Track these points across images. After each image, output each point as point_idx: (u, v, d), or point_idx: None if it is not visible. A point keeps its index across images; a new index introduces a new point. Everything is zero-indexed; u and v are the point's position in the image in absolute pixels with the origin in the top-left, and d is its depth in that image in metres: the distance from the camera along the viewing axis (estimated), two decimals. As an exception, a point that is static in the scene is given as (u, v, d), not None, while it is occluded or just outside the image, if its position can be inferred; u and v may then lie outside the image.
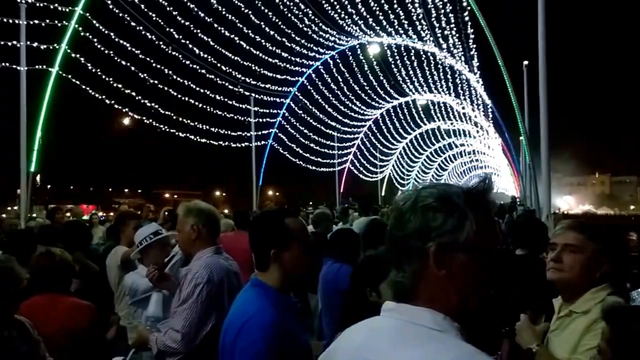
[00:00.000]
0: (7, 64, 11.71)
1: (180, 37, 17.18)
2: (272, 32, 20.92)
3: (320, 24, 23.58)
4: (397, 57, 31.01)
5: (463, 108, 37.77)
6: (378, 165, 43.63)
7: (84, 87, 14.18)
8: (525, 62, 18.24)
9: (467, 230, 1.08)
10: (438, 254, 1.08)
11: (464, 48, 26.11)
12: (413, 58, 31.35)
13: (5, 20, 11.62)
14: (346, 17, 23.82)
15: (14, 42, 11.49)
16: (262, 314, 1.91)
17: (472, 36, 24.15)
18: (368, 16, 24.08)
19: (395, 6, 23.95)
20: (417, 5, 23.59)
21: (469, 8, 19.96)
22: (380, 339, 1.09)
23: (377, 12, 23.92)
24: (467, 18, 22.10)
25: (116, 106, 15.92)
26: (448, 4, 22.76)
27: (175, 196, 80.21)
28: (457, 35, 25.28)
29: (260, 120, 25.01)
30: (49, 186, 53.05)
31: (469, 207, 1.10)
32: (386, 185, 48.65)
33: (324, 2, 21.98)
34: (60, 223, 8.61)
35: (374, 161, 43.34)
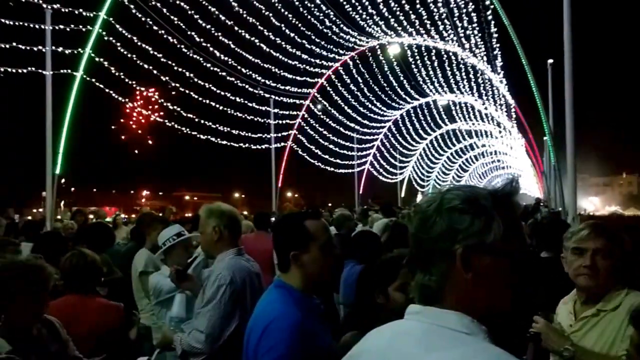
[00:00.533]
0: (34, 69, 11.95)
1: (202, 40, 17.39)
2: (292, 34, 21.04)
3: (341, 25, 23.64)
4: (418, 57, 30.79)
5: (485, 108, 37.26)
6: (398, 166, 43.37)
7: (107, 90, 14.44)
8: (550, 60, 17.99)
9: (494, 233, 1.07)
10: (465, 257, 1.07)
11: (486, 47, 25.85)
12: (434, 58, 31.08)
13: (31, 26, 11.85)
14: (367, 18, 23.82)
15: (40, 48, 11.73)
16: (285, 315, 1.93)
17: (495, 35, 23.90)
18: (389, 16, 24.03)
19: (418, 6, 23.86)
20: (439, 5, 23.44)
21: (492, 7, 19.74)
22: (407, 342, 1.08)
23: (398, 13, 23.84)
24: (490, 17, 21.88)
25: (138, 109, 16.15)
26: (470, 4, 22.58)
27: (195, 198, 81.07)
28: (479, 34, 25.06)
29: (280, 122, 25.14)
30: (72, 188, 53.95)
31: (495, 209, 1.10)
32: (406, 186, 48.38)
33: (345, 3, 22.00)
34: (84, 225, 8.82)
35: (394, 162, 43.07)
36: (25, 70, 12.08)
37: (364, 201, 37.86)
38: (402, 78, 32.92)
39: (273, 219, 7.85)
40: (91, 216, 11.94)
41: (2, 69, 11.99)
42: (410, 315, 1.14)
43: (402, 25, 25.15)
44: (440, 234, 1.09)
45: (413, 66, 31.36)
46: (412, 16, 24.46)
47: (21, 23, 11.80)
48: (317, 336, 1.96)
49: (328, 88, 29.03)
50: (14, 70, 12.16)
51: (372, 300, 2.18)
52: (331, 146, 31.45)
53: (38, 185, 14.21)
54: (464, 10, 23.38)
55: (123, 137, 62.41)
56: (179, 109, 18.28)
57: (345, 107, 31.00)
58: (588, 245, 2.24)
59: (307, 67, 24.54)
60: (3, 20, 11.57)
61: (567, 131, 10.43)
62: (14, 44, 11.86)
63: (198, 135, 20.15)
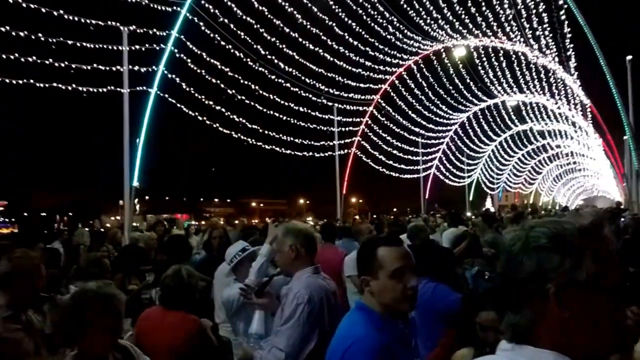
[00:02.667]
0: (112, 87, 12.68)
1: (267, 52, 17.86)
2: (355, 42, 21.14)
3: (405, 31, 23.50)
4: (485, 59, 30.09)
5: (558, 108, 35.63)
6: (465, 169, 42.33)
7: (178, 105, 15.10)
8: (629, 57, 17.04)
9: (586, 269, 1.03)
10: (559, 295, 1.04)
11: (558, 48, 24.85)
12: (502, 59, 30.29)
13: (109, 47, 12.60)
14: (432, 22, 23.55)
15: (118, 67, 12.43)
16: (365, 338, 1.92)
17: (568, 35, 22.92)
18: (454, 20, 23.62)
19: (484, 9, 23.35)
20: (505, 6, 22.81)
21: (565, 6, 18.95)
22: None
23: (464, 16, 23.43)
24: (563, 17, 21.01)
25: (207, 122, 16.76)
26: (541, 4, 21.82)
27: (262, 205, 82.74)
28: (550, 35, 24.13)
29: (343, 129, 25.23)
30: (147, 197, 56.52)
31: (585, 245, 1.05)
32: (474, 190, 47.10)
33: (409, 9, 21.88)
34: (160, 234, 9.23)
35: (461, 166, 42.09)
36: (105, 90, 12.84)
37: (430, 206, 37.27)
38: (468, 80, 32.28)
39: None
40: (166, 224, 12.47)
41: (84, 89, 12.82)
42: (503, 352, 1.12)
43: (467, 28, 24.65)
44: (530, 274, 1.06)
45: (480, 68, 30.70)
46: (479, 19, 23.92)
47: (100, 45, 12.59)
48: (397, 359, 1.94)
49: (392, 93, 28.88)
50: (94, 90, 12.95)
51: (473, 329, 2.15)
52: (395, 152, 31.24)
53: (116, 194, 14.99)
54: (534, 11, 22.62)
55: (193, 148, 64.88)
56: (244, 120, 18.78)
57: (410, 112, 30.74)
58: None
59: (371, 74, 24.57)
60: (85, 44, 12.36)
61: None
62: (95, 65, 12.66)
63: (263, 146, 20.59)
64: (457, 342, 2.66)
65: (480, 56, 29.74)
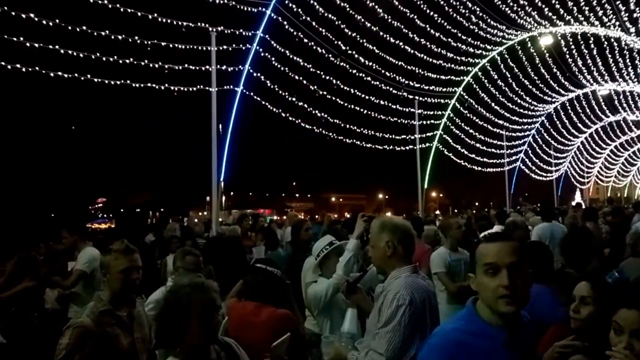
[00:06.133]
0: (201, 87, 13.25)
1: (347, 48, 17.94)
2: (437, 34, 20.70)
3: (489, 20, 22.67)
4: (573, 46, 28.30)
5: (657, 96, 32.96)
6: (552, 162, 40.22)
7: (263, 102, 15.54)
8: None
9: None
10: None
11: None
12: (592, 46, 28.38)
13: (198, 48, 13.17)
14: (519, 9, 22.51)
15: (207, 67, 12.97)
16: (441, 332, 1.94)
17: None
18: (543, 5, 22.43)
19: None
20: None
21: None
22: None
23: (554, 1, 22.17)
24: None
25: (290, 118, 17.12)
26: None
27: (341, 199, 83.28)
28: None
29: (425, 122, 24.81)
30: (231, 193, 58.63)
31: None
32: (562, 183, 44.72)
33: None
34: (247, 228, 9.55)
35: (548, 159, 40.05)
36: (194, 89, 13.43)
37: (515, 201, 35.77)
38: (555, 70, 30.57)
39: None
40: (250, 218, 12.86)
41: (176, 89, 13.50)
42: None
43: (558, 14, 23.30)
44: None
45: (567, 56, 28.98)
46: (569, 3, 22.54)
47: (190, 46, 13.19)
48: None
49: (474, 85, 28.00)
50: (185, 89, 13.59)
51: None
52: (478, 145, 30.28)
53: (204, 190, 15.62)
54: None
55: (276, 145, 66.46)
56: (325, 115, 18.98)
57: (493, 104, 29.68)
58: None
59: (452, 66, 23.95)
60: (177, 45, 13.01)
61: None
62: (185, 65, 13.29)
63: (344, 140, 20.70)
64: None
65: (569, 44, 28.06)
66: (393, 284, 2.70)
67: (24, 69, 10.84)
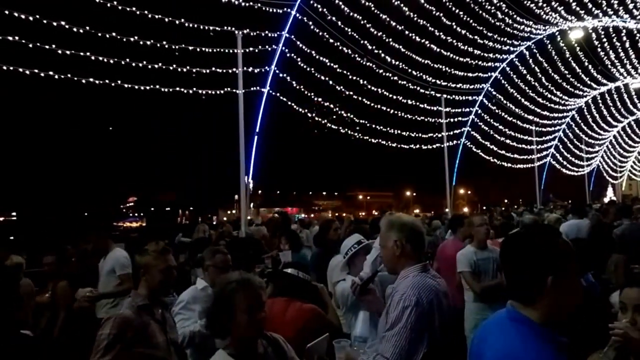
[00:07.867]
0: (228, 89, 13.47)
1: (373, 47, 17.96)
2: (463, 32, 20.53)
3: (515, 16, 22.34)
4: (605, 40, 27.67)
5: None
6: (584, 157, 39.32)
7: (289, 103, 15.68)
8: None
9: None
10: None
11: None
12: (625, 39, 27.70)
13: (225, 51, 13.39)
14: (544, 5, 22.12)
15: (234, 69, 13.17)
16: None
17: None
18: (570, 0, 22.00)
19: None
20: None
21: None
22: None
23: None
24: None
25: (316, 118, 17.24)
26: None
27: (368, 197, 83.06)
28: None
29: (452, 120, 24.64)
30: (259, 192, 59.09)
31: None
32: (594, 178, 43.66)
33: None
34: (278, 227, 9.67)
35: (579, 153, 39.17)
36: (222, 92, 13.66)
37: (546, 197, 35.09)
38: (586, 63, 29.91)
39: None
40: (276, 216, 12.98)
41: (204, 92, 13.76)
42: None
43: (585, 8, 22.81)
44: None
45: (599, 49, 28.30)
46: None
47: (217, 50, 13.41)
48: None
49: (502, 81, 27.65)
50: (213, 92, 13.84)
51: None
52: (508, 141, 29.87)
53: (232, 189, 15.87)
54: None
55: (302, 144, 66.72)
56: (352, 115, 19.04)
57: (522, 100, 29.24)
58: None
59: (480, 62, 23.71)
60: (204, 49, 13.26)
61: None
62: (213, 68, 13.53)
63: (370, 140, 20.71)
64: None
65: (600, 37, 27.42)
66: (402, 284, 2.62)
67: (56, 76, 11.18)
